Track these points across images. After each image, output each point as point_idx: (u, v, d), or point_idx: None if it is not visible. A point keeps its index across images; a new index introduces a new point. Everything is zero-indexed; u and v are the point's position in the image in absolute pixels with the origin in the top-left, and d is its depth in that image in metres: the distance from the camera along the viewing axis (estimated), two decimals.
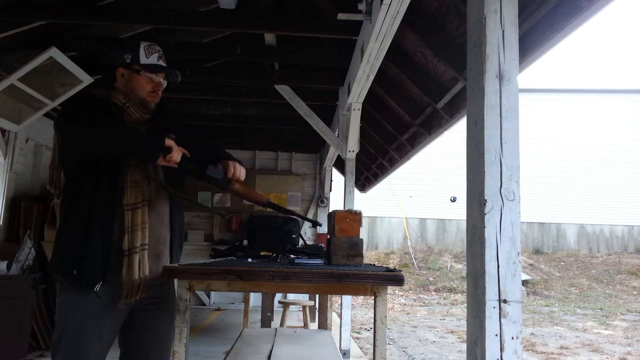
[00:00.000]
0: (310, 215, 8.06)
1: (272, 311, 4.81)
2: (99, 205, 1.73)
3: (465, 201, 1.31)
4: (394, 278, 1.63)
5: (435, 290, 11.96)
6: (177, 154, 1.73)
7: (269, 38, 4.19)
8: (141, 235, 1.74)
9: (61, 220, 1.80)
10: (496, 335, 1.15)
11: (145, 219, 1.76)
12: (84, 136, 1.70)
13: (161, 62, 1.90)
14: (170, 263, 1.91)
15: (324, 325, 4.43)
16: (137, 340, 1.90)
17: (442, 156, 13.80)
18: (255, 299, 6.95)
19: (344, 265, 1.94)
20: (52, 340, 1.76)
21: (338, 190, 6.34)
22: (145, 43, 1.89)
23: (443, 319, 8.75)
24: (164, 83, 1.92)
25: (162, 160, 1.72)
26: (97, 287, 1.70)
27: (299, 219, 2.49)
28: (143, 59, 1.85)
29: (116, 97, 1.85)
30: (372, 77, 3.25)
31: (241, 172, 1.92)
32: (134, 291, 1.73)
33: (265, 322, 4.66)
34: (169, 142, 1.72)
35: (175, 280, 1.72)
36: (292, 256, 2.32)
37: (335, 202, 7.69)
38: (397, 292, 11.44)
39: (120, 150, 1.73)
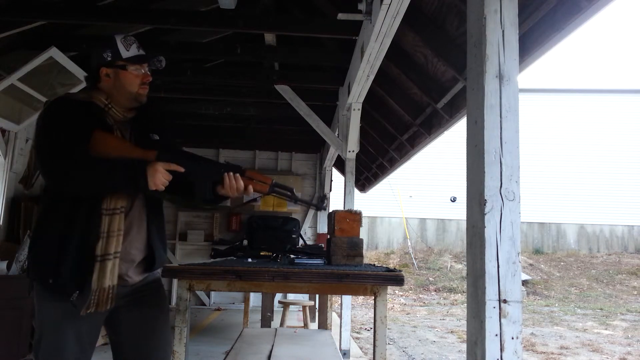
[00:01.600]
0: (310, 216, 8.07)
1: (272, 311, 4.80)
2: (77, 211, 1.68)
3: (465, 201, 1.30)
4: (394, 278, 1.63)
5: (435, 290, 11.96)
6: (163, 179, 1.69)
7: (269, 38, 4.19)
8: (116, 242, 1.68)
9: (36, 224, 1.75)
10: (496, 335, 1.15)
11: (122, 226, 1.71)
12: (66, 181, 1.65)
13: (141, 52, 1.83)
14: (154, 265, 1.83)
15: (324, 325, 4.44)
16: (130, 345, 1.82)
17: (442, 156, 13.79)
18: (255, 299, 6.95)
19: (344, 265, 1.94)
20: (34, 342, 1.73)
21: (338, 190, 6.33)
22: (120, 36, 1.81)
23: (443, 319, 8.75)
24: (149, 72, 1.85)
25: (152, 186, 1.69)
26: (74, 297, 1.64)
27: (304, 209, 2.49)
28: (124, 53, 1.78)
29: (97, 98, 1.77)
30: (372, 77, 3.25)
31: (238, 184, 1.81)
32: (104, 300, 1.66)
33: (265, 322, 4.66)
34: (153, 169, 1.67)
35: (175, 280, 1.71)
36: (292, 256, 2.32)
37: (336, 202, 7.69)
38: (397, 292, 11.44)
39: (105, 193, 1.69)
